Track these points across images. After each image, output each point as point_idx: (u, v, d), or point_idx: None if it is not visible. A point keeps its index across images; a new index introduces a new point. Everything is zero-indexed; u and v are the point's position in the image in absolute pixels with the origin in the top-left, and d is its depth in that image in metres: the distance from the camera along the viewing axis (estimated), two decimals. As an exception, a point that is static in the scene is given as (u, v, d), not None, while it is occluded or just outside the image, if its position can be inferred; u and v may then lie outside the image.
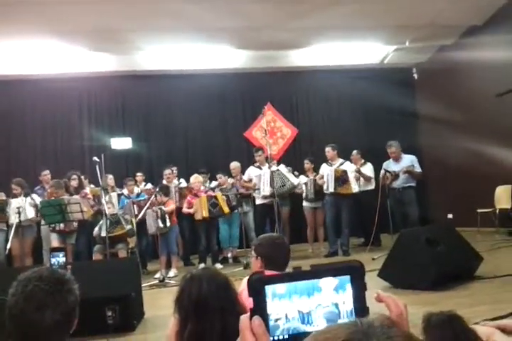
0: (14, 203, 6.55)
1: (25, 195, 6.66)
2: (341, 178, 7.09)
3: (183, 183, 7.87)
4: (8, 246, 6.14)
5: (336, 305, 0.72)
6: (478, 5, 7.94)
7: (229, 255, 7.64)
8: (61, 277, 1.41)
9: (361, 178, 7.59)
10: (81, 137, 9.09)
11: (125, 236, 6.45)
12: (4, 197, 6.88)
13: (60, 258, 1.56)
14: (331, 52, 9.30)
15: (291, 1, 7.20)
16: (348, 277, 0.73)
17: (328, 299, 0.72)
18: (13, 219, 6.45)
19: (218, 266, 6.84)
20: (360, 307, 0.72)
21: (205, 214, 6.75)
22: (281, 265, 2.39)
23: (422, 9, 7.76)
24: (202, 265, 7.14)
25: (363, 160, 8.01)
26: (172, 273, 6.71)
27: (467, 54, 8.74)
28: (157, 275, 6.45)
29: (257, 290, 0.70)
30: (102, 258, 6.08)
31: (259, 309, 0.70)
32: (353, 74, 9.62)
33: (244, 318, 0.70)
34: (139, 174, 8.13)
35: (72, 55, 8.36)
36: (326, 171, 7.30)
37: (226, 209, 6.80)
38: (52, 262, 1.57)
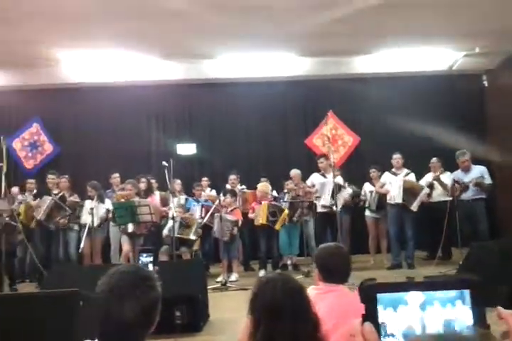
0: (87, 205, 6.94)
1: (99, 198, 7.03)
2: (411, 191, 6.88)
3: (245, 189, 7.99)
4: (82, 246, 6.49)
5: (422, 321, 0.71)
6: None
7: (288, 262, 7.64)
8: (145, 273, 1.48)
9: (438, 187, 7.32)
10: (149, 143, 9.48)
11: (190, 240, 6.65)
12: (78, 200, 7.29)
13: (145, 258, 1.65)
14: (396, 58, 9.10)
15: (354, 7, 7.15)
16: (463, 291, 0.72)
17: (414, 314, 0.71)
18: (86, 220, 6.82)
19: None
20: (480, 324, 0.70)
21: (263, 220, 6.82)
22: (339, 277, 2.31)
23: (492, 14, 7.46)
24: (262, 271, 7.20)
25: (442, 169, 7.73)
26: (234, 277, 6.81)
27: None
28: (219, 279, 6.57)
29: (368, 297, 0.71)
30: (168, 260, 6.28)
31: (371, 316, 0.70)
32: (419, 81, 9.38)
33: (356, 324, 0.71)
34: (204, 179, 8.34)
35: (144, 64, 8.77)
36: (390, 180, 7.15)
37: (278, 227, 6.85)
38: (140, 261, 1.67)
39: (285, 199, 7.26)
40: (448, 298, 0.71)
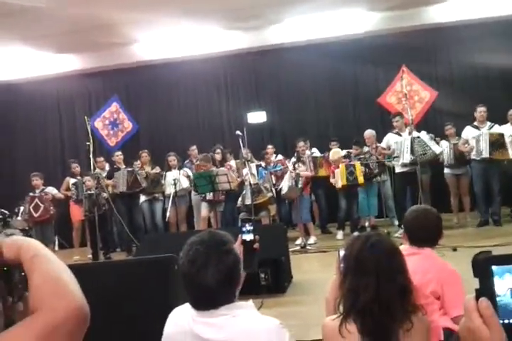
0: (170, 175, 7.32)
1: (179, 168, 7.40)
2: (497, 142, 6.54)
3: (316, 153, 7.97)
4: (168, 214, 6.91)
5: None
6: None
7: (366, 224, 7.63)
8: (220, 239, 1.54)
9: None
10: (220, 113, 9.67)
11: (267, 204, 6.82)
12: (159, 170, 7.69)
13: (245, 228, 1.79)
14: (474, 3, 8.42)
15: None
16: None
17: None
18: (170, 190, 7.21)
19: (356, 234, 6.88)
20: None
21: (343, 182, 6.84)
22: (425, 241, 2.26)
23: None
24: (340, 232, 7.27)
25: None
26: (312, 240, 6.95)
27: None
28: (298, 242, 6.74)
29: (482, 270, 0.67)
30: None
31: (486, 290, 0.66)
32: (503, 27, 8.60)
33: (469, 299, 0.67)
34: (269, 147, 8.40)
35: (208, 36, 8.88)
36: (474, 135, 6.80)
37: (361, 180, 6.78)
38: (242, 229, 1.84)
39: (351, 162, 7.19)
40: None
